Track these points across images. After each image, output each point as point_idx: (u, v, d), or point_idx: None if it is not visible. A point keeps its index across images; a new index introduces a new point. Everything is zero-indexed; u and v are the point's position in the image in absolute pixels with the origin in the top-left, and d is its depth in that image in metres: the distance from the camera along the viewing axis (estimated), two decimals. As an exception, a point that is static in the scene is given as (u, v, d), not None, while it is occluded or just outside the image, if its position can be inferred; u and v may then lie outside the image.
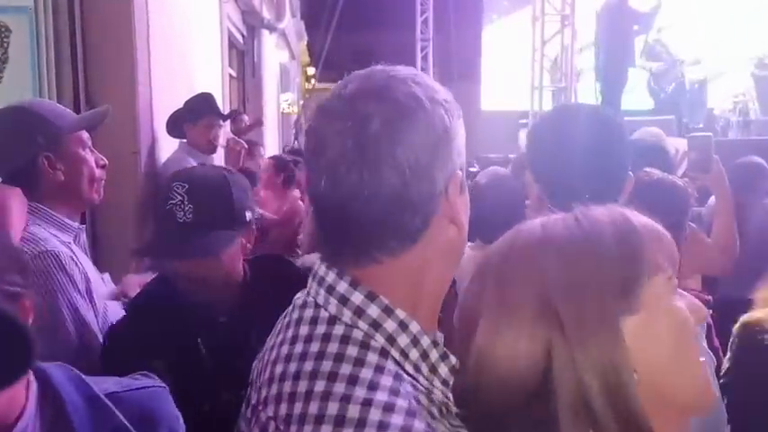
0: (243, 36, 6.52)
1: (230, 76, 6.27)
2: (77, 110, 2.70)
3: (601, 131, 1.22)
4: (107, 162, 1.63)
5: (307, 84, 13.67)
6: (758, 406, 1.33)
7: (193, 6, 4.05)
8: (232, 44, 6.25)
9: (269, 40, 7.51)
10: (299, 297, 0.73)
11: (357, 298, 0.66)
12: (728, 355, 1.50)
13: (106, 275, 1.63)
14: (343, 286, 0.67)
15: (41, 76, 2.59)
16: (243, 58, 6.74)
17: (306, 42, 12.23)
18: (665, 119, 6.90)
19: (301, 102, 12.11)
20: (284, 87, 9.85)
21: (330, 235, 0.68)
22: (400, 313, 0.66)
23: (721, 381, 1.49)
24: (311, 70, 13.58)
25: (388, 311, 0.66)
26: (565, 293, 0.60)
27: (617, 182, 1.23)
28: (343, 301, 0.66)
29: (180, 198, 1.19)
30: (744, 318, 1.48)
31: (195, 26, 4.08)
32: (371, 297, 0.66)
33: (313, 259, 0.74)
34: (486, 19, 10.80)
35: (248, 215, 1.26)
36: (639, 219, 0.67)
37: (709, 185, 2.15)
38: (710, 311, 1.79)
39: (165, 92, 3.13)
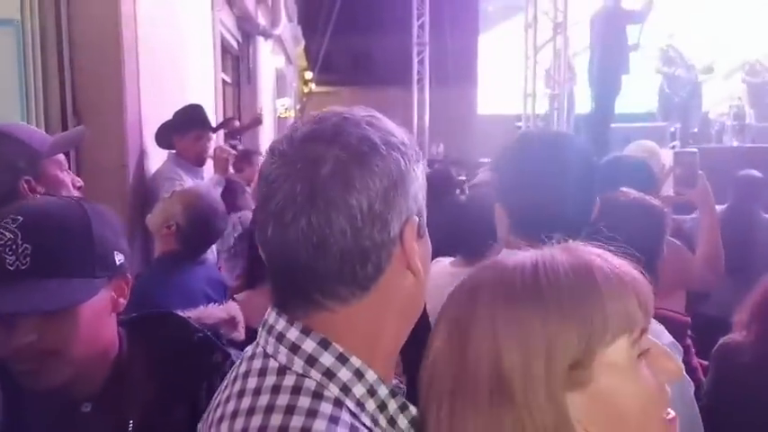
0: (238, 42, 6.53)
1: (225, 82, 6.28)
2: (65, 123, 2.70)
3: (562, 159, 1.21)
4: (82, 183, 1.63)
5: (304, 88, 13.68)
6: (736, 428, 1.32)
7: (185, 14, 4.05)
8: (227, 50, 6.26)
9: (264, 46, 7.51)
10: (248, 350, 0.69)
11: (309, 346, 0.63)
12: (708, 376, 1.50)
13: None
14: (293, 333, 0.64)
15: (28, 89, 2.59)
16: (238, 64, 6.74)
17: (303, 47, 12.24)
18: (659, 125, 6.90)
19: (298, 106, 12.12)
20: (281, 92, 9.85)
21: (279, 281, 0.66)
22: (355, 361, 0.63)
23: (701, 403, 1.49)
24: (309, 74, 13.60)
25: (342, 359, 0.63)
26: (516, 362, 0.57)
27: (583, 208, 1.22)
28: (294, 349, 0.63)
29: (10, 237, 0.86)
30: (722, 339, 1.48)
31: (187, 34, 4.08)
32: (324, 345, 0.63)
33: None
34: (482, 23, 10.82)
35: (118, 258, 0.94)
36: (608, 265, 0.60)
37: (694, 201, 2.15)
38: (690, 332, 1.80)
39: (155, 102, 3.12)
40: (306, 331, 0.64)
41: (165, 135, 3.03)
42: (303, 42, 11.92)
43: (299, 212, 0.61)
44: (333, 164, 0.61)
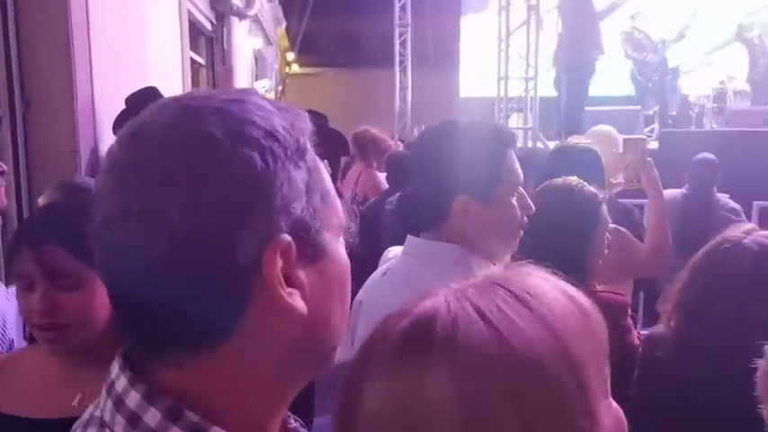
0: (212, 23, 6.41)
1: (198, 64, 6.18)
2: (12, 107, 2.64)
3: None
4: (5, 168, 1.58)
5: (287, 69, 13.52)
6: (658, 422, 1.32)
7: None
8: (200, 31, 6.15)
9: (240, 27, 7.39)
10: (89, 410, 0.54)
11: (152, 418, 0.48)
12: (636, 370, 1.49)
13: (12, 289, 1.59)
14: (134, 399, 0.49)
15: (-27, 75, 2.53)
16: (212, 45, 6.63)
17: (284, 27, 12.06)
18: (633, 109, 6.89)
19: (280, 87, 11.98)
20: (260, 74, 9.72)
21: (121, 320, 0.52)
22: None
23: (631, 393, 1.49)
24: (292, 56, 13.43)
25: None
26: None
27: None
28: (133, 421, 0.48)
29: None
30: (647, 331, 1.47)
31: (149, 14, 3.98)
32: (174, 415, 0.48)
33: None
34: (464, 6, 10.69)
35: None
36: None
37: (643, 187, 2.14)
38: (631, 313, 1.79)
39: (111, 85, 3.06)
40: (150, 396, 0.49)
41: (122, 121, 2.97)
42: (284, 23, 11.75)
43: (114, 234, 0.48)
44: (155, 169, 0.47)
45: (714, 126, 6.76)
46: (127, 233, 0.47)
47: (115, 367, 0.52)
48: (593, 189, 1.69)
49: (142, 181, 0.47)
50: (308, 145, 0.53)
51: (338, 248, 0.55)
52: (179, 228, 0.46)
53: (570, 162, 1.97)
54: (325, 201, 0.54)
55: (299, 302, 0.50)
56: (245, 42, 7.83)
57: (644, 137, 2.12)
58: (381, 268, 1.39)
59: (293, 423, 0.61)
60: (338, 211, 0.56)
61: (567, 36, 5.77)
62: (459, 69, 10.88)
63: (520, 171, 1.24)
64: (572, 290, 0.50)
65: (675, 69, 7.57)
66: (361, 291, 1.33)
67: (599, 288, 1.67)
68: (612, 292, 1.70)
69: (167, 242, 0.46)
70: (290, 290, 0.50)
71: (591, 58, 5.68)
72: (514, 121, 7.52)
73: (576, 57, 5.66)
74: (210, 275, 0.47)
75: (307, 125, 0.54)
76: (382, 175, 3.75)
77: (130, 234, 0.47)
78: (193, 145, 0.48)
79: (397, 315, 0.50)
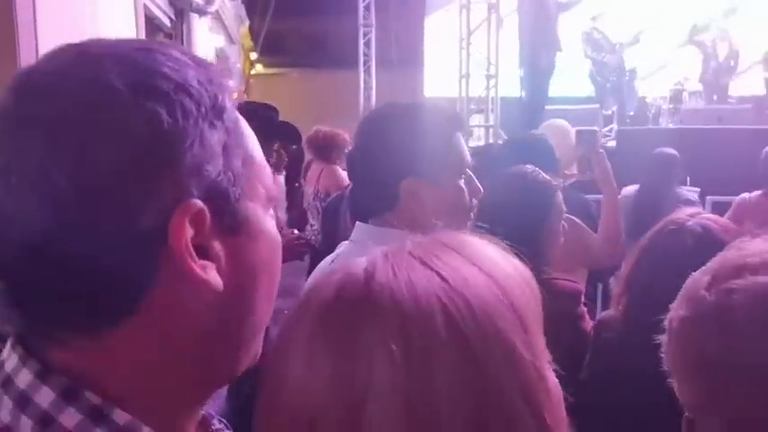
0: (171, 20, 6.30)
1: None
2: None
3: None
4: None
5: (250, 69, 13.39)
6: (606, 406, 1.32)
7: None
8: (158, 28, 6.03)
9: (201, 24, 7.28)
10: None
11: (45, 398, 0.43)
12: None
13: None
14: (25, 378, 0.44)
15: None
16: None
17: (248, 26, 11.95)
18: (592, 108, 7.03)
19: (243, 88, 11.85)
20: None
21: (6, 294, 0.45)
22: (120, 417, 0.44)
23: (581, 376, 1.50)
24: (255, 55, 13.31)
25: (97, 416, 0.43)
26: None
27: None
28: (23, 403, 0.43)
29: None
30: (601, 314, 1.48)
31: (102, 9, 3.88)
32: (70, 395, 0.43)
33: None
34: (428, 5, 10.75)
35: None
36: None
37: (596, 178, 2.17)
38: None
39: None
40: (43, 375, 0.44)
41: None
42: (247, 22, 11.63)
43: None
44: (34, 124, 0.42)
45: (670, 125, 6.95)
46: (7, 197, 0.42)
47: (6, 346, 0.46)
48: (547, 177, 1.70)
49: (24, 136, 0.42)
50: (229, 104, 0.48)
51: (265, 222, 0.50)
52: (67, 191, 0.41)
53: (524, 151, 1.99)
54: (249, 167, 0.48)
55: (213, 276, 0.45)
56: (206, 40, 7.72)
57: (595, 129, 2.15)
58: (330, 256, 1.37)
59: (217, 425, 0.56)
60: (265, 180, 0.51)
61: (526, 35, 5.85)
62: (424, 69, 10.92)
63: (467, 153, 1.24)
64: (513, 258, 0.49)
65: (632, 71, 7.76)
66: (308, 279, 1.31)
67: (554, 275, 1.69)
68: (567, 280, 1.72)
69: (53, 208, 0.41)
70: (202, 262, 0.45)
71: (550, 57, 5.76)
72: (476, 121, 7.60)
73: (535, 56, 5.74)
74: (106, 245, 0.42)
75: (229, 84, 0.49)
76: (345, 172, 3.73)
77: (11, 198, 0.41)
78: (86, 95, 0.42)
79: (322, 281, 0.47)
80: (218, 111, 0.46)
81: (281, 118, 2.49)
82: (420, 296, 0.42)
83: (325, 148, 3.91)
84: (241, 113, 0.51)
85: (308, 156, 4.39)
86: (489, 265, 0.46)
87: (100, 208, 0.41)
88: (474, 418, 0.41)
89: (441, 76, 9.41)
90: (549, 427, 0.44)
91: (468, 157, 1.23)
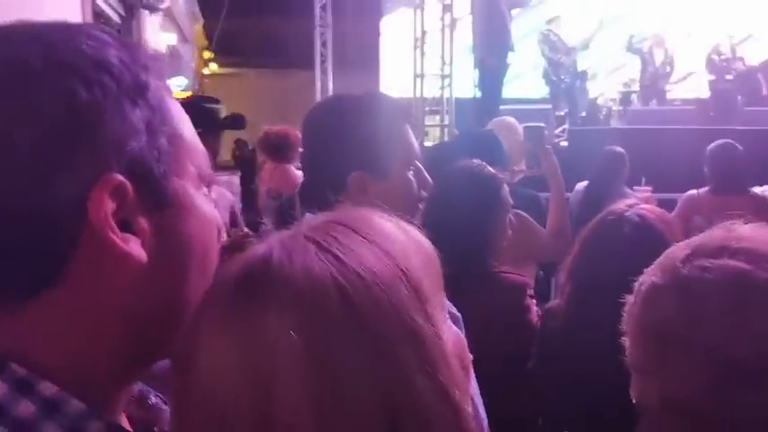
0: (120, 16, 6.14)
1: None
2: None
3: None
4: None
5: (205, 68, 13.19)
6: (553, 390, 1.35)
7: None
8: (107, 24, 5.87)
9: (152, 21, 7.13)
10: None
11: None
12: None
13: None
14: None
15: None
16: (121, 39, 6.35)
17: (202, 25, 11.78)
18: (544, 108, 7.19)
19: (196, 87, 11.67)
20: (175, 71, 9.43)
21: None
22: (47, 388, 0.44)
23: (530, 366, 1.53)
24: (209, 54, 13.12)
25: (22, 388, 0.43)
26: None
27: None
28: None
29: None
30: (547, 305, 1.51)
31: (48, 3, 3.76)
32: None
33: None
34: (384, 7, 10.78)
35: None
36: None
37: (544, 174, 2.21)
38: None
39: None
40: None
41: None
42: (201, 20, 11.46)
43: None
44: None
45: (620, 126, 7.18)
46: None
47: None
48: (493, 171, 1.73)
49: None
50: (153, 83, 0.49)
51: (195, 199, 0.50)
52: None
53: (472, 146, 2.02)
54: (176, 145, 0.49)
55: (135, 249, 0.45)
56: (157, 37, 7.56)
57: (542, 125, 2.20)
58: None
59: (153, 399, 0.56)
60: (196, 158, 0.52)
61: (479, 36, 5.93)
62: (381, 70, 10.95)
63: (416, 145, 1.24)
64: (411, 229, 0.50)
65: (584, 73, 7.98)
66: None
67: (502, 269, 1.71)
68: (514, 273, 1.74)
69: None
70: (125, 235, 0.45)
71: (502, 57, 5.86)
72: (432, 121, 7.67)
73: (488, 56, 5.83)
74: (25, 217, 0.42)
75: (156, 64, 0.50)
76: (299, 171, 3.71)
77: None
78: (3, 73, 0.43)
79: (225, 269, 0.47)
80: (140, 89, 0.47)
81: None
82: (316, 280, 0.43)
83: (277, 147, 3.87)
84: (182, 104, 0.53)
85: (260, 156, 4.35)
86: (385, 241, 0.47)
87: (18, 182, 0.42)
88: (381, 400, 0.41)
89: (397, 77, 9.44)
90: (453, 397, 0.44)
91: (417, 149, 1.24)
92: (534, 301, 1.84)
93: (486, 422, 1.14)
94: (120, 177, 0.44)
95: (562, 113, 7.70)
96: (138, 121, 0.46)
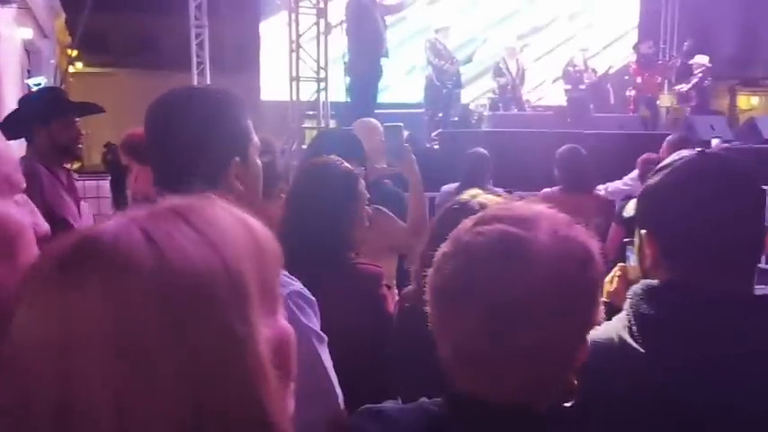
0: (-34, 7, 5.63)
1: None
2: None
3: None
4: None
5: (69, 67, 12.32)
6: (410, 370, 1.42)
7: None
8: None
9: (5, 14, 6.58)
10: None
11: None
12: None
13: None
14: None
15: None
16: (-33, 32, 5.82)
17: (65, 20, 10.99)
18: (416, 113, 7.50)
19: (63, 86, 10.87)
20: (35, 69, 8.75)
21: None
22: None
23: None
24: (75, 52, 12.27)
25: None
26: None
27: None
28: None
29: None
30: (402, 291, 1.61)
31: None
32: None
33: None
34: (261, 10, 10.67)
35: None
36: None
37: (403, 171, 2.33)
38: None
39: None
40: None
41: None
42: (63, 15, 10.70)
43: None
44: None
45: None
46: None
47: None
48: (349, 166, 1.81)
49: None
50: None
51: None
52: None
53: (332, 144, 2.09)
54: None
55: None
56: (11, 32, 6.99)
57: (400, 123, 2.31)
58: None
59: None
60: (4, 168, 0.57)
61: (351, 42, 6.06)
62: (260, 72, 10.82)
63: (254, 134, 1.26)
64: (250, 220, 0.52)
65: (460, 77, 8.39)
66: None
67: (358, 260, 1.78)
68: (370, 264, 1.83)
69: None
70: None
71: (374, 63, 6.02)
72: (308, 124, 7.73)
73: (359, 62, 5.97)
74: None
75: None
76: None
77: None
78: None
79: (62, 239, 0.48)
80: None
81: (107, 120, 2.46)
82: (133, 267, 0.44)
83: (140, 148, 3.73)
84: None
85: (124, 159, 4.16)
86: (214, 234, 0.48)
87: None
88: (188, 402, 0.43)
89: (276, 80, 9.39)
90: (263, 405, 0.46)
91: (256, 139, 1.25)
92: (392, 290, 1.93)
93: (341, 396, 1.21)
94: None
95: (437, 118, 8.06)
96: None
